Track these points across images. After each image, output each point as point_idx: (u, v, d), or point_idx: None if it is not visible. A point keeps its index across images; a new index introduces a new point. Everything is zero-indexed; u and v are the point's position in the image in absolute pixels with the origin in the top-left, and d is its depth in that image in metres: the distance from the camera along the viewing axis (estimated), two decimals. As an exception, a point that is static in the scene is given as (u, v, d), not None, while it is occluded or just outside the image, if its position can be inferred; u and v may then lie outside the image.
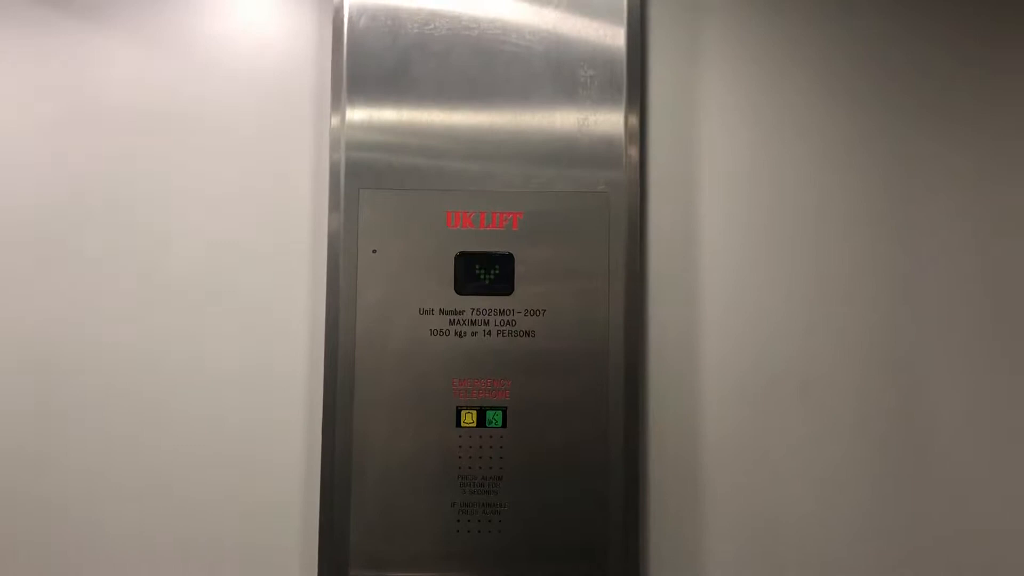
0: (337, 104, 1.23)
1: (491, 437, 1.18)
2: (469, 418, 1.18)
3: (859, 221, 1.27)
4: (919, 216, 1.28)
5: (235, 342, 1.25)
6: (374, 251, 1.20)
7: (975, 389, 1.26)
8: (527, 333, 1.19)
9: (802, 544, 1.24)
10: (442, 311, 1.20)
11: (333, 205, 1.21)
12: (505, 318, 1.20)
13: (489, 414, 1.18)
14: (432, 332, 1.19)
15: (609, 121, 1.22)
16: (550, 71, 1.22)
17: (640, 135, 1.24)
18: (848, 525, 1.24)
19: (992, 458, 1.25)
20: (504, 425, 1.18)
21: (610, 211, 1.21)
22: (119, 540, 1.24)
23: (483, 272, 1.19)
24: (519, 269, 1.20)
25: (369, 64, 1.23)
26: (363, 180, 1.21)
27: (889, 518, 1.25)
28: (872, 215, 1.27)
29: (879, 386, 1.25)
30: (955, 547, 1.24)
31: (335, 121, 1.22)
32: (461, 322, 1.20)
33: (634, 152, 1.22)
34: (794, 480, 1.25)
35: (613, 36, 1.22)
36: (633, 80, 1.23)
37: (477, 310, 1.20)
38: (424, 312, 1.20)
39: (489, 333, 1.19)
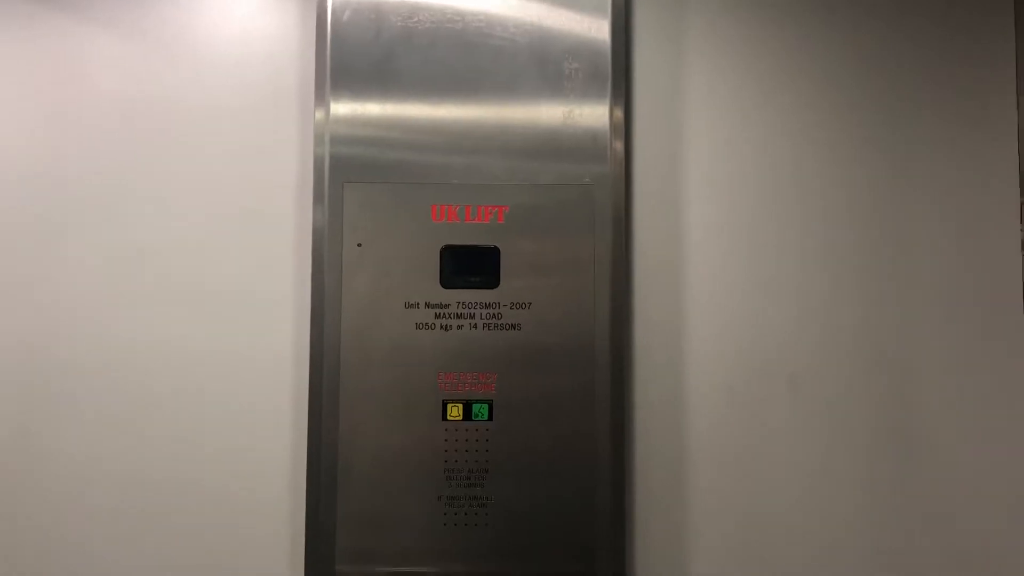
0: (321, 98, 1.22)
1: (477, 430, 1.18)
2: (455, 411, 1.18)
3: (844, 214, 1.28)
4: (903, 209, 1.28)
5: (220, 337, 1.25)
6: (359, 245, 1.19)
7: (961, 381, 1.26)
8: (513, 326, 1.19)
9: (789, 537, 1.25)
10: (428, 305, 1.19)
11: (317, 199, 1.21)
12: (491, 311, 1.19)
13: (475, 407, 1.18)
14: (418, 326, 1.19)
15: (594, 114, 1.22)
16: (535, 64, 1.22)
17: (625, 128, 1.24)
18: (835, 518, 1.25)
19: (978, 450, 1.26)
20: (490, 418, 1.18)
21: (595, 204, 1.21)
22: (105, 534, 1.23)
23: (469, 265, 1.19)
24: (505, 262, 1.19)
25: (353, 58, 1.22)
26: (348, 174, 1.21)
27: (876, 511, 1.25)
28: (857, 208, 1.28)
29: (866, 379, 1.26)
30: (942, 540, 1.25)
31: (319, 115, 1.22)
32: (447, 315, 1.19)
33: (619, 145, 1.22)
34: (781, 474, 1.25)
35: (598, 28, 1.22)
36: (618, 73, 1.23)
37: (463, 303, 1.19)
38: (410, 306, 1.19)
39: (475, 326, 1.19)
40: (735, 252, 1.27)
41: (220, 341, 1.25)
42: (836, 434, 1.25)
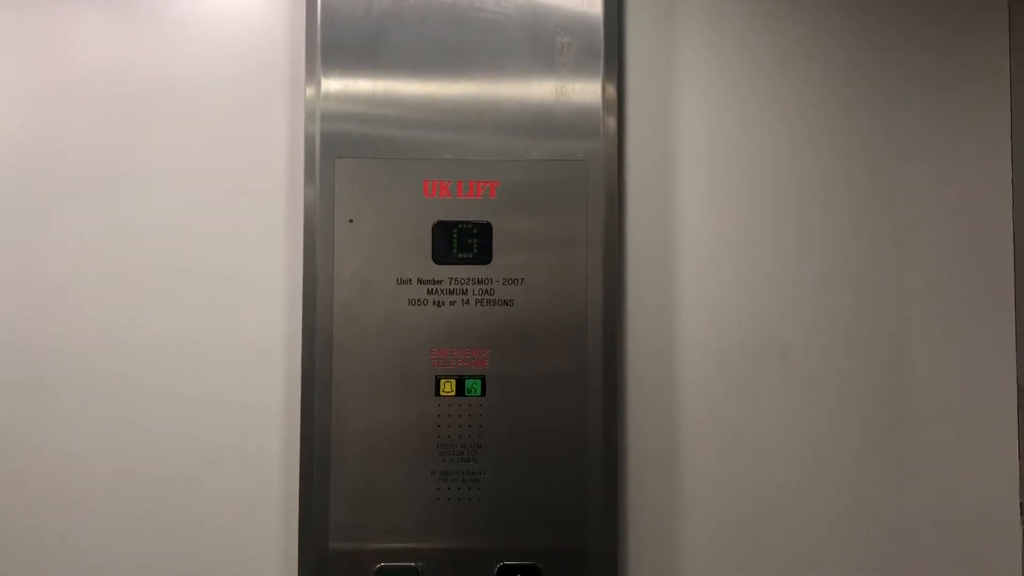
0: (311, 75, 1.21)
1: (470, 406, 1.18)
2: (448, 387, 1.18)
3: (838, 191, 1.27)
4: (897, 184, 1.28)
5: (211, 316, 1.24)
6: (351, 221, 1.19)
7: (956, 358, 1.27)
8: (505, 302, 1.19)
9: (781, 512, 1.25)
10: (420, 280, 1.19)
11: (309, 176, 1.20)
12: (483, 287, 1.19)
13: (468, 383, 1.18)
14: (410, 302, 1.19)
15: (586, 90, 1.21)
16: (526, 38, 1.21)
17: (618, 104, 1.23)
18: (829, 498, 1.25)
19: (974, 429, 1.26)
20: (483, 394, 1.18)
21: (588, 180, 1.20)
22: (96, 522, 1.23)
23: (461, 241, 1.19)
24: (497, 238, 1.19)
25: (343, 33, 1.21)
26: (339, 150, 1.20)
27: (871, 490, 1.25)
28: (851, 184, 1.28)
29: (860, 357, 1.26)
30: (940, 524, 1.25)
31: (310, 92, 1.21)
32: (439, 291, 1.19)
33: (612, 121, 1.22)
34: (773, 452, 1.25)
35: (590, 3, 1.21)
36: (610, 47, 1.22)
37: (455, 279, 1.19)
38: (402, 282, 1.19)
39: (468, 302, 1.19)
40: (729, 229, 1.27)
41: (210, 319, 1.24)
42: (830, 414, 1.26)
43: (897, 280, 1.27)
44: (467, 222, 1.19)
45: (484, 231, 1.19)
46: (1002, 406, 1.27)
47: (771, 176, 1.28)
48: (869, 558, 1.25)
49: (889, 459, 1.26)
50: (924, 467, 1.26)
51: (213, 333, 1.24)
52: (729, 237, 1.27)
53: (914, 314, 1.27)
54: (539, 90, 1.21)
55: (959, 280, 1.27)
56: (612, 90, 1.22)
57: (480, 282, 1.19)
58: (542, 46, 1.21)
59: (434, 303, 1.19)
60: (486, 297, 1.19)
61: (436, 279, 1.19)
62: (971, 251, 1.28)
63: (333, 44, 1.21)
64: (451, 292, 1.19)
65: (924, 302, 1.27)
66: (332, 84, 1.21)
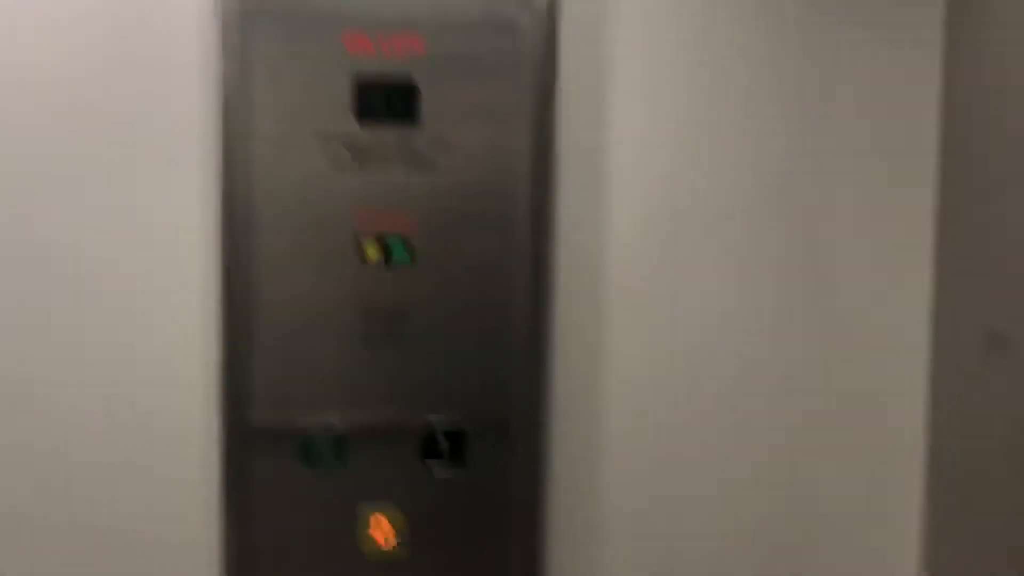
0: (227, -76, 1.13)
1: (396, 271, 1.15)
2: (373, 252, 1.14)
3: (767, 65, 1.26)
4: (826, 46, 1.28)
5: (126, 185, 1.18)
6: (270, 81, 1.13)
7: (868, 218, 1.30)
8: (432, 164, 1.15)
9: (702, 371, 1.28)
10: (343, 141, 1.14)
11: (226, 34, 1.13)
12: (409, 148, 1.14)
13: (394, 248, 1.15)
14: (333, 164, 1.14)
15: (520, -52, 1.16)
16: None
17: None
18: (745, 352, 1.28)
19: (880, 293, 1.30)
20: (410, 260, 1.15)
21: (521, 46, 1.16)
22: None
23: (386, 99, 1.13)
24: (424, 98, 1.14)
25: None
26: (255, 8, 1.12)
27: (784, 346, 1.29)
28: (780, 53, 1.27)
29: (781, 217, 1.28)
30: (840, 375, 1.30)
31: (226, -58, 1.13)
32: (363, 153, 1.14)
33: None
34: (698, 319, 1.27)
35: None
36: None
37: (380, 140, 1.14)
38: (324, 143, 1.13)
39: (393, 164, 1.14)
40: (659, 100, 1.25)
41: (124, 189, 1.17)
42: (752, 272, 1.28)
43: (818, 146, 1.28)
44: (392, 80, 1.13)
45: (409, 90, 1.14)
46: (916, 271, 1.31)
47: (704, 50, 1.25)
48: (779, 409, 1.30)
49: (801, 318, 1.29)
50: (838, 328, 1.30)
51: (127, 201, 1.18)
52: (663, 107, 1.25)
53: (832, 178, 1.28)
54: (471, -54, 1.15)
55: (881, 146, 1.29)
56: (547, -51, 1.17)
57: (406, 143, 1.14)
58: None
59: (358, 165, 1.14)
60: (412, 158, 1.14)
61: (360, 140, 1.14)
62: (895, 112, 1.29)
63: None
64: (375, 152, 1.14)
65: (842, 168, 1.28)
66: (249, -66, 1.13)
